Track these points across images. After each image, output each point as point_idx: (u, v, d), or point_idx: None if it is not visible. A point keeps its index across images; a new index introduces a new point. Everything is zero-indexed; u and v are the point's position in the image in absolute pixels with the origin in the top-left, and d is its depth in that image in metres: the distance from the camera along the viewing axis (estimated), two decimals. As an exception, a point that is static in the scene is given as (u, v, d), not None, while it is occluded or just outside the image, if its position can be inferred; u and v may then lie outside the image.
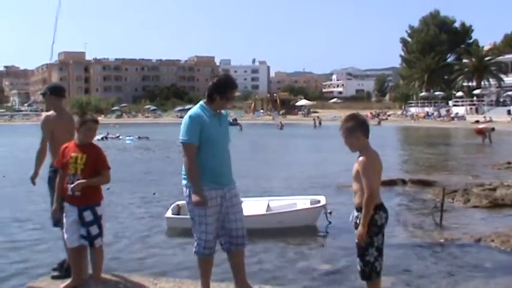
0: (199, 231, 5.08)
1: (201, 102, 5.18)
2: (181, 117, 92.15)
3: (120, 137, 40.10)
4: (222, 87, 5.09)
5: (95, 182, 5.33)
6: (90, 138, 5.43)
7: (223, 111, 5.25)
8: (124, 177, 15.90)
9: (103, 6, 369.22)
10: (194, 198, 4.95)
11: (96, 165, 5.32)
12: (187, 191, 5.07)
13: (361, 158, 4.52)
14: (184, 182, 5.11)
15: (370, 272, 4.52)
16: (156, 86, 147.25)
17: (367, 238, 4.44)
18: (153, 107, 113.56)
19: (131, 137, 39.58)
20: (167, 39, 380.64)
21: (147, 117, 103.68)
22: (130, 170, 18.94)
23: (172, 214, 9.80)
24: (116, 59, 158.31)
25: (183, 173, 5.08)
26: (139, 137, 39.95)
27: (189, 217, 10.11)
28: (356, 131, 4.56)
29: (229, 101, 5.17)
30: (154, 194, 13.63)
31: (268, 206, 10.19)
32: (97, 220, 5.35)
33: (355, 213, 4.59)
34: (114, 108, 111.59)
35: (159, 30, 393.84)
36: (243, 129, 52.88)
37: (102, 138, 35.15)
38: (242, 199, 10.92)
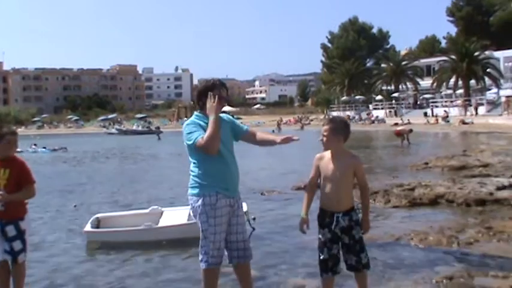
0: (208, 240, 5.00)
1: (195, 112, 5.11)
2: (104, 126, 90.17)
3: (37, 149, 38.69)
4: (207, 89, 5.02)
5: (19, 197, 5.21)
6: (12, 151, 5.26)
7: (224, 117, 5.18)
8: (42, 189, 15.32)
9: (19, 14, 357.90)
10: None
11: (20, 179, 5.18)
12: (199, 200, 5.02)
13: (356, 161, 5.15)
14: (193, 191, 5.09)
15: None
16: (78, 96, 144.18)
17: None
18: (75, 117, 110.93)
19: (46, 148, 38.58)
20: (88, 48, 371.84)
21: (70, 127, 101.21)
22: (49, 183, 18.26)
23: (92, 228, 9.48)
24: (35, 69, 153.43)
25: (190, 184, 5.11)
26: (54, 149, 38.96)
27: (107, 230, 9.79)
28: (340, 133, 4.99)
29: (221, 100, 4.97)
30: (75, 206, 13.16)
31: (189, 215, 10.01)
32: (20, 235, 5.21)
33: (349, 216, 5.14)
34: (35, 119, 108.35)
35: (79, 39, 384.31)
36: (163, 137, 53.05)
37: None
38: (162, 209, 10.65)
